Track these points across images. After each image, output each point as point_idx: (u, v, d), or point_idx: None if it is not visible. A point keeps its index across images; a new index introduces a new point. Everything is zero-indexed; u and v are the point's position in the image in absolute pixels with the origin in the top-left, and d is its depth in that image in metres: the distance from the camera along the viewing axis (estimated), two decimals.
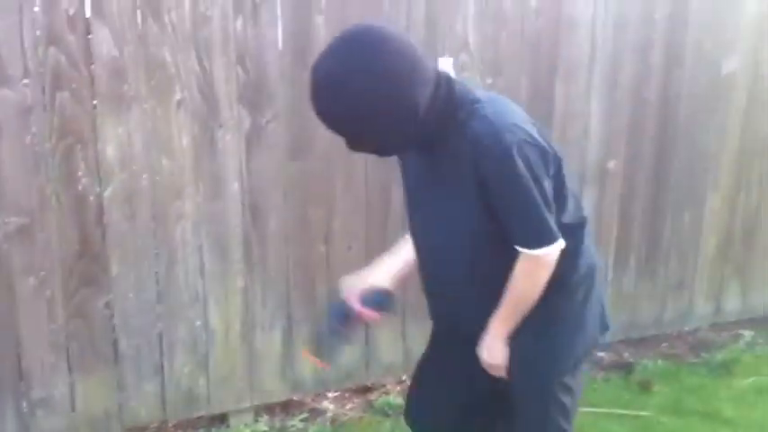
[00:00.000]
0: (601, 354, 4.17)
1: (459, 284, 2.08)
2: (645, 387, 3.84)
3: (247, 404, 3.33)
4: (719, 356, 4.19)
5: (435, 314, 2.27)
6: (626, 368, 4.03)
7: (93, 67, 2.78)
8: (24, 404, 2.95)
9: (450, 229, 2.00)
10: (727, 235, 4.34)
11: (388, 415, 3.49)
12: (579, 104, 3.74)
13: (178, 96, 2.93)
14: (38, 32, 2.68)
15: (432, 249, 2.10)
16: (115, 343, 3.03)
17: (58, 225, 2.84)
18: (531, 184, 1.83)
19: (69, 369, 2.98)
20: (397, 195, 3.37)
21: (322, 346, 2.15)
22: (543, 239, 1.91)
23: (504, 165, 1.81)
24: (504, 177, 1.84)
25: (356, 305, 2.06)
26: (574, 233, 2.02)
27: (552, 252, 1.93)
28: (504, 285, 1.99)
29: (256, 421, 3.36)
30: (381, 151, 1.96)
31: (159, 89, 2.89)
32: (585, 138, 3.80)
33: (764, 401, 3.66)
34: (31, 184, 2.78)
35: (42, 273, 2.85)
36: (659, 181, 4.05)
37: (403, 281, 2.20)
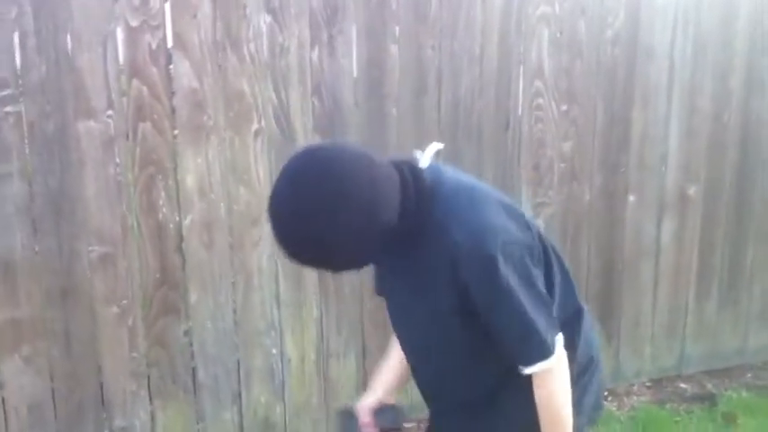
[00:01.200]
0: (683, 385, 4.06)
1: (447, 389, 1.97)
2: (730, 419, 3.71)
3: None
4: None
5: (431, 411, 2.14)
6: (710, 400, 3.91)
7: (174, 97, 2.84)
8: None
9: (429, 340, 1.88)
10: None
11: None
12: (657, 130, 3.68)
13: (255, 126, 2.97)
14: (121, 65, 2.76)
15: (416, 356, 1.99)
16: (194, 371, 3.05)
17: (139, 253, 2.90)
18: (520, 292, 1.67)
19: (150, 397, 3.01)
20: None
21: None
22: (543, 351, 1.73)
23: (487, 277, 1.66)
24: (489, 290, 1.68)
25: (369, 423, 2.00)
26: (569, 325, 1.86)
27: (557, 359, 1.76)
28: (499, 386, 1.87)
29: None
30: (350, 267, 1.78)
31: (237, 119, 2.94)
32: (664, 164, 3.73)
33: None
34: (114, 214, 2.84)
35: (124, 301, 2.90)
36: (740, 207, 3.95)
37: (404, 382, 2.12)
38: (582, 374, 1.87)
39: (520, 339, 1.73)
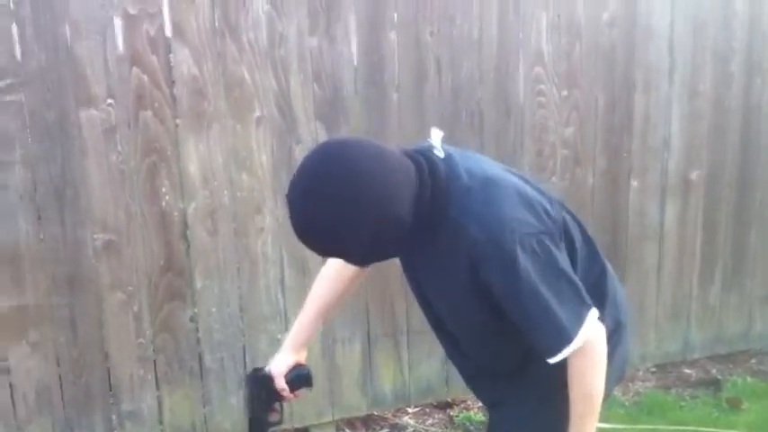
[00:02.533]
0: (688, 371, 4.07)
1: (474, 362, 2.02)
2: (734, 404, 3.71)
3: (329, 419, 3.34)
4: None
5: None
6: (714, 385, 3.92)
7: (174, 86, 2.87)
8: (114, 417, 3.02)
9: (454, 323, 1.92)
10: None
11: (469, 430, 3.45)
12: (659, 114, 3.69)
13: (257, 113, 3.00)
14: (121, 53, 2.79)
15: (442, 334, 2.02)
16: (200, 356, 3.09)
17: (143, 241, 2.93)
18: (542, 284, 1.67)
19: (157, 382, 3.05)
20: None
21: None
22: (564, 340, 1.71)
23: (508, 272, 1.66)
24: (510, 285, 1.68)
25: (283, 387, 2.03)
26: (595, 291, 1.84)
27: (588, 337, 1.74)
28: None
29: None
30: (366, 261, 1.84)
31: (238, 107, 2.97)
32: (666, 148, 3.74)
33: None
34: (117, 201, 2.87)
35: (129, 288, 2.94)
36: (743, 191, 3.95)
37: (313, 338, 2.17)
38: (608, 339, 1.83)
39: (542, 332, 1.73)
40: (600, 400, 1.82)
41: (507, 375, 1.97)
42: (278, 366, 2.06)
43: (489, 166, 1.83)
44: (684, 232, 3.87)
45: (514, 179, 1.80)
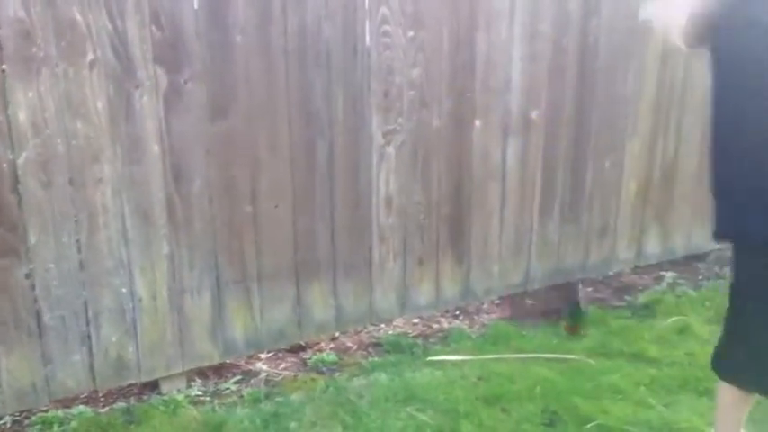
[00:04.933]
0: (530, 301, 4.26)
1: None
2: (572, 331, 3.92)
3: (179, 370, 3.28)
4: (643, 299, 4.32)
5: None
6: (555, 314, 4.11)
7: None
8: None
9: None
10: (646, 180, 4.45)
11: (322, 372, 3.49)
12: (501, 55, 3.75)
13: (90, 57, 2.82)
14: None
15: None
16: (38, 314, 2.94)
17: None
18: None
19: None
20: (323, 152, 3.35)
21: None
22: None
23: None
24: None
25: None
26: None
27: None
28: None
29: (189, 386, 3.32)
30: None
31: (70, 50, 2.78)
32: (508, 89, 3.82)
33: (685, 340, 3.78)
34: None
35: None
36: (580, 129, 4.12)
37: None
38: None
39: None
40: None
41: None
42: None
43: None
44: (525, 170, 4.00)
45: None
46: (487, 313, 4.21)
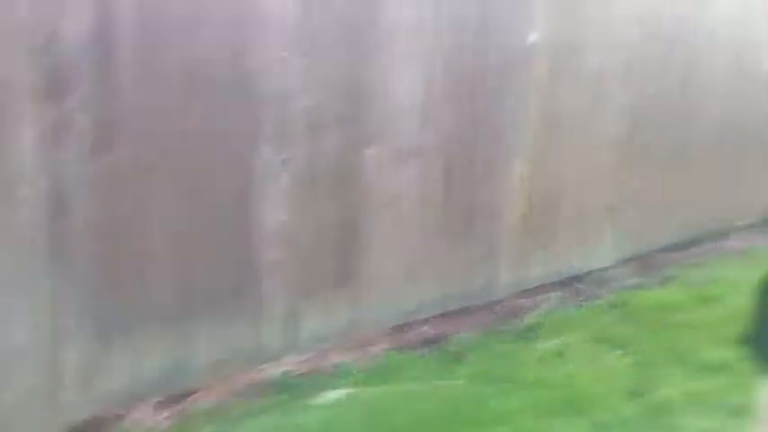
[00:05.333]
0: (423, 328, 4.30)
1: None
2: (457, 358, 3.99)
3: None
4: (526, 322, 4.44)
5: None
6: (442, 341, 4.18)
7: None
8: None
9: None
10: (529, 203, 4.58)
11: (205, 420, 3.44)
12: (393, 80, 3.82)
13: None
14: None
15: None
16: None
17: None
18: None
19: None
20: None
21: None
22: None
23: None
24: None
25: None
26: None
27: None
28: None
29: None
30: None
31: None
32: (400, 114, 3.90)
33: (564, 363, 3.91)
34: None
35: None
36: (472, 152, 4.24)
37: None
38: None
39: None
40: None
41: None
42: None
43: None
44: (420, 195, 4.11)
45: None
46: (378, 344, 4.23)
